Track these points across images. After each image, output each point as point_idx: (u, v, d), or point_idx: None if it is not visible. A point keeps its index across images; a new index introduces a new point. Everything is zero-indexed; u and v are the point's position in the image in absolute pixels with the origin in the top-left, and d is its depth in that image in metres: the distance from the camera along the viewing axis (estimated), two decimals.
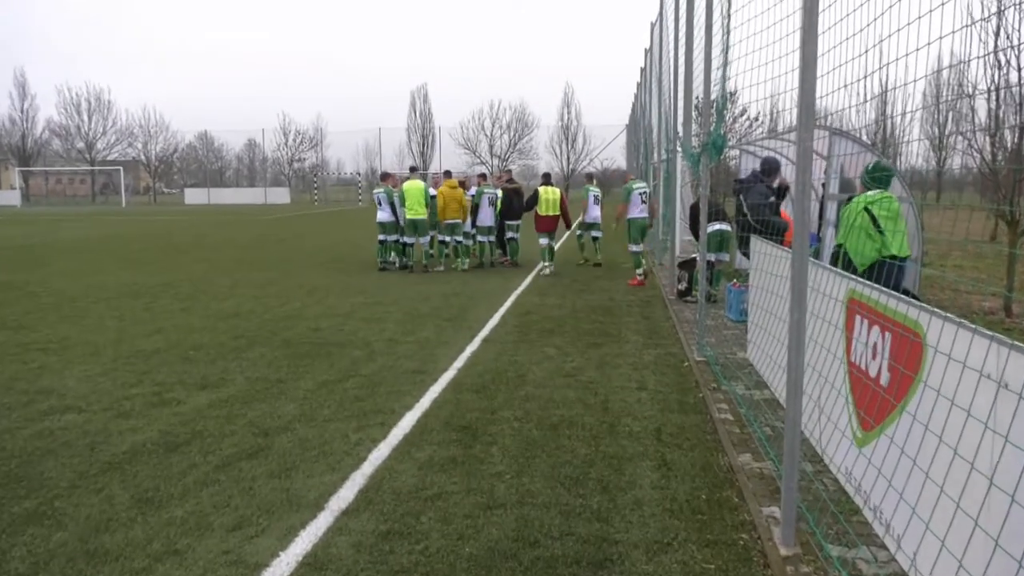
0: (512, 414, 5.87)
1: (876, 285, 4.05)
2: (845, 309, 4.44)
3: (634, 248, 13.26)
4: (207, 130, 77.12)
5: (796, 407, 3.68)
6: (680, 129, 11.85)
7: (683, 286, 11.22)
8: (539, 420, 5.72)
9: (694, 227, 10.85)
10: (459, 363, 7.50)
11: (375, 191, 15.40)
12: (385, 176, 15.49)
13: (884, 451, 3.69)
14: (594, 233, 15.97)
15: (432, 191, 15.00)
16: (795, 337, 3.64)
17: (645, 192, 13.58)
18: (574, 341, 8.49)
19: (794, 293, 3.62)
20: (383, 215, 14.98)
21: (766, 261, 6.41)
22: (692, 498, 4.35)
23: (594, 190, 15.65)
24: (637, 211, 13.42)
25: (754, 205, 8.88)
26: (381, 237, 15.17)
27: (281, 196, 64.77)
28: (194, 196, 65.61)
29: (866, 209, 6.12)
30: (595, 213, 15.73)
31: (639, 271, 13.06)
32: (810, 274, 4.65)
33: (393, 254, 15.56)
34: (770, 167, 9.39)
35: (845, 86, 3.68)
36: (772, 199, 9.08)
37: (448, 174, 15.43)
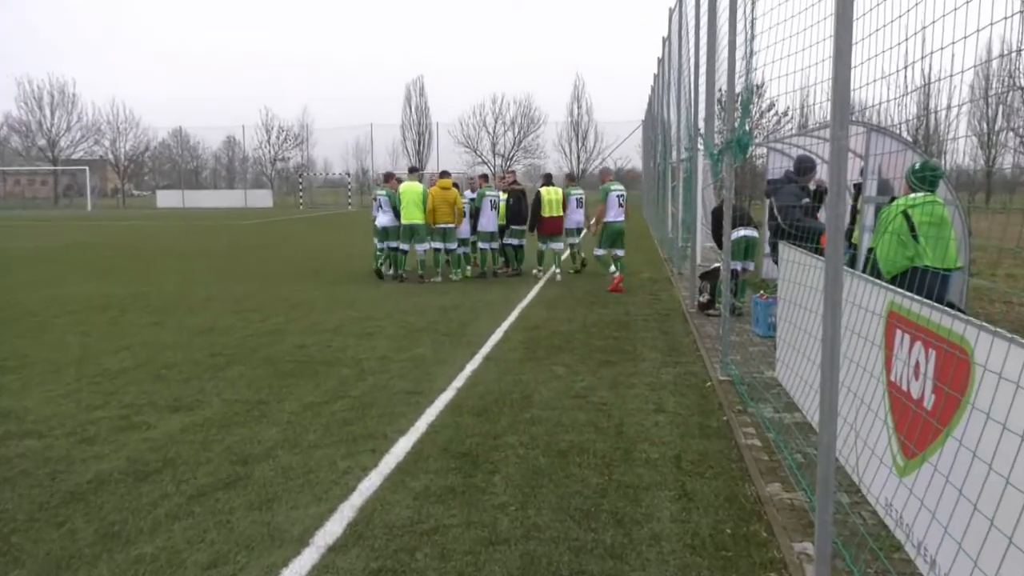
0: (517, 439, 5.87)
1: (919, 297, 4.06)
2: (884, 323, 4.44)
3: (598, 252, 13.98)
4: (182, 126, 77.90)
5: (830, 432, 3.68)
6: (701, 125, 11.91)
7: (705, 298, 11.22)
8: (546, 446, 5.72)
9: (717, 233, 10.86)
10: (458, 383, 7.50)
11: (376, 193, 15.45)
12: (388, 177, 15.57)
13: (928, 480, 3.69)
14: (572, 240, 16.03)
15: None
16: (829, 355, 3.65)
17: (623, 195, 14.03)
18: (585, 359, 8.50)
19: (827, 306, 3.63)
20: (385, 219, 15.04)
21: (796, 271, 6.42)
22: (716, 532, 4.35)
23: (576, 192, 15.68)
24: (613, 214, 13.93)
25: (784, 207, 8.90)
26: (381, 244, 15.20)
27: (263, 199, 65.00)
28: (167, 199, 65.88)
29: (904, 213, 6.11)
30: (577, 218, 15.77)
31: (612, 269, 13.68)
32: (845, 284, 4.66)
33: (388, 263, 15.62)
34: (804, 166, 9.41)
35: (883, 77, 3.70)
36: (805, 200, 9.10)
37: (445, 175, 15.44)
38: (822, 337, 3.68)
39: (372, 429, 6.13)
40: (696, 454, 5.56)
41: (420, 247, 14.93)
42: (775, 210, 8.93)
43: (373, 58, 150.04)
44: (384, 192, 15.02)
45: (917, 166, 6.52)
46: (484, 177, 16.24)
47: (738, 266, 10.71)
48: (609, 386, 7.37)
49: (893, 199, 6.56)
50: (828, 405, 3.67)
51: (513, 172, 17.43)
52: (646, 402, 6.84)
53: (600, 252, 14.14)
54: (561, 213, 15.11)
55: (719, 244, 11.35)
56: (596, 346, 9.13)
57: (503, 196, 15.64)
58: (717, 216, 10.93)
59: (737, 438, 5.83)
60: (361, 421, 6.33)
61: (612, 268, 13.79)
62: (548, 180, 15.82)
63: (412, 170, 15.87)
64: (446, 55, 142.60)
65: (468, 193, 15.72)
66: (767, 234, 11.36)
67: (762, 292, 9.94)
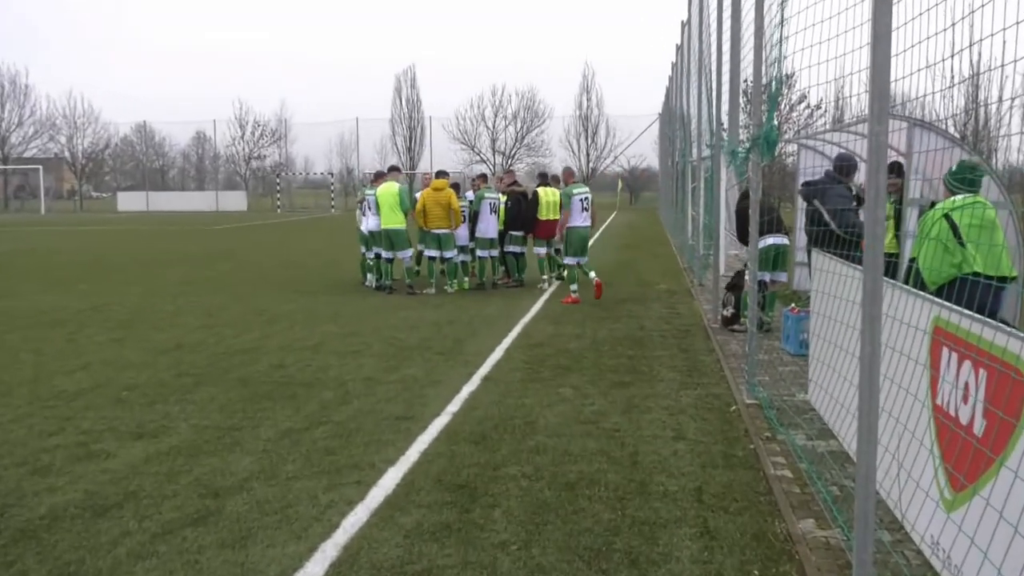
0: (519, 470, 5.86)
1: (967, 311, 4.05)
2: (929, 340, 4.44)
3: (568, 261, 14.06)
4: (146, 121, 77.87)
5: (869, 462, 3.67)
6: (725, 120, 11.93)
7: (729, 312, 11.21)
8: (552, 477, 5.71)
9: (742, 234, 10.83)
10: (454, 407, 7.49)
11: (366, 192, 15.46)
12: (379, 176, 15.60)
13: (979, 516, 3.68)
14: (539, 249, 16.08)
15: (418, 195, 15.09)
16: (867, 375, 3.64)
17: (587, 198, 14.19)
18: (595, 380, 8.49)
19: (865, 320, 3.63)
20: (373, 222, 15.10)
21: (830, 281, 6.42)
22: (742, 574, 4.33)
23: (580, 191, 15.66)
24: (580, 220, 14.03)
25: (838, 211, 8.85)
26: (369, 252, 15.20)
27: (236, 201, 65.13)
28: (129, 201, 66.01)
29: (946, 216, 6.10)
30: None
31: (573, 288, 13.83)
32: (886, 296, 4.65)
33: (369, 275, 15.67)
34: (847, 165, 9.42)
35: (927, 67, 3.70)
36: (855, 204, 9.10)
37: (442, 174, 15.45)
38: (860, 355, 3.68)
39: (358, 458, 6.12)
40: (719, 486, 5.54)
41: (403, 254, 14.91)
42: (826, 214, 8.87)
43: (359, 46, 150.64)
44: (373, 193, 15.06)
45: (955, 168, 6.55)
46: (483, 177, 16.28)
47: (767, 277, 10.55)
48: (622, 410, 7.36)
49: (933, 203, 6.56)
50: (867, 431, 3.67)
51: (512, 172, 17.39)
52: (663, 428, 6.83)
53: (571, 262, 14.10)
54: (558, 216, 15.08)
55: (745, 244, 11.31)
56: (608, 366, 9.13)
57: (503, 199, 15.66)
58: (742, 215, 10.92)
59: (765, 468, 5.82)
60: (345, 449, 6.32)
61: (575, 286, 13.95)
62: (544, 180, 15.87)
63: (391, 169, 15.86)
64: (441, 42, 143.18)
65: (469, 195, 15.73)
66: (800, 241, 11.37)
67: (793, 305, 9.94)
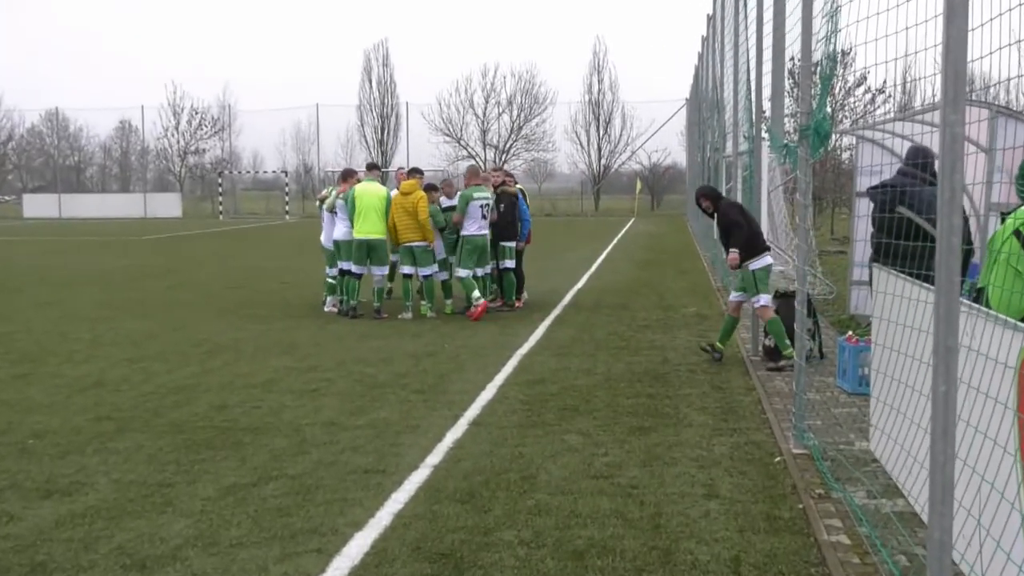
0: (515, 535, 5.84)
1: None
2: (1017, 378, 4.44)
3: (461, 273, 14.90)
4: (58, 108, 77.76)
5: (944, 525, 3.68)
6: (767, 106, 11.98)
7: (772, 341, 11.22)
8: (556, 544, 5.70)
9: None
10: (435, 458, 7.47)
11: (336, 196, 15.40)
12: (348, 175, 15.59)
13: None
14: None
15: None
16: (941, 420, 3.66)
17: (487, 204, 14.86)
18: (609, 424, 8.49)
19: (938, 353, 3.64)
20: (343, 230, 15.13)
21: (896, 306, 6.43)
22: None
23: (481, 196, 15.70)
24: (475, 228, 14.88)
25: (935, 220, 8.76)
26: (344, 266, 15.19)
27: (169, 205, 65.16)
28: (38, 205, 66.01)
29: (1016, 233, 5.84)
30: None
31: (475, 297, 14.75)
32: (963, 324, 4.66)
33: (329, 297, 15.71)
34: (930, 162, 9.42)
35: (1014, 43, 3.72)
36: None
37: (415, 172, 15.45)
38: (932, 395, 3.69)
39: (317, 521, 6.10)
40: (761, 556, 5.54)
41: (379, 271, 14.93)
42: (924, 225, 8.77)
43: (320, 16, 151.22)
44: (343, 196, 15.09)
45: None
46: (474, 173, 16.22)
47: (741, 297, 11.26)
48: (642, 462, 7.35)
49: (1007, 213, 6.47)
50: (941, 488, 3.67)
51: (502, 170, 17.30)
52: (692, 484, 6.82)
53: (463, 273, 14.97)
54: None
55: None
56: (624, 407, 9.13)
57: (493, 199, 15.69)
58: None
59: (817, 533, 5.81)
60: (302, 510, 6.30)
61: (476, 293, 14.83)
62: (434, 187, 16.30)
63: (371, 167, 15.85)
64: (419, 11, 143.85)
65: (445, 200, 15.68)
66: (857, 255, 11.38)
67: (850, 333, 9.95)
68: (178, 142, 74.75)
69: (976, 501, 4.77)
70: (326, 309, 15.76)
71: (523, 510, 6.28)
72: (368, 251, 14.77)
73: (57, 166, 76.76)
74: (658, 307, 16.26)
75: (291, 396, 9.64)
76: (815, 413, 8.48)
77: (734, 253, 10.81)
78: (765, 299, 10.96)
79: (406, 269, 15.14)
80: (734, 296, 11.51)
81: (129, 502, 6.49)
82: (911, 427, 6.00)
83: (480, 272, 15.50)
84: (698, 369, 10.90)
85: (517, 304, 15.88)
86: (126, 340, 13.20)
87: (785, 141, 8.14)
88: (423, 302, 15.21)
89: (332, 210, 15.44)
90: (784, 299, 11.22)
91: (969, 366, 4.87)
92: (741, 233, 10.87)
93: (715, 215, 11.62)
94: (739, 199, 16.89)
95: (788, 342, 10.50)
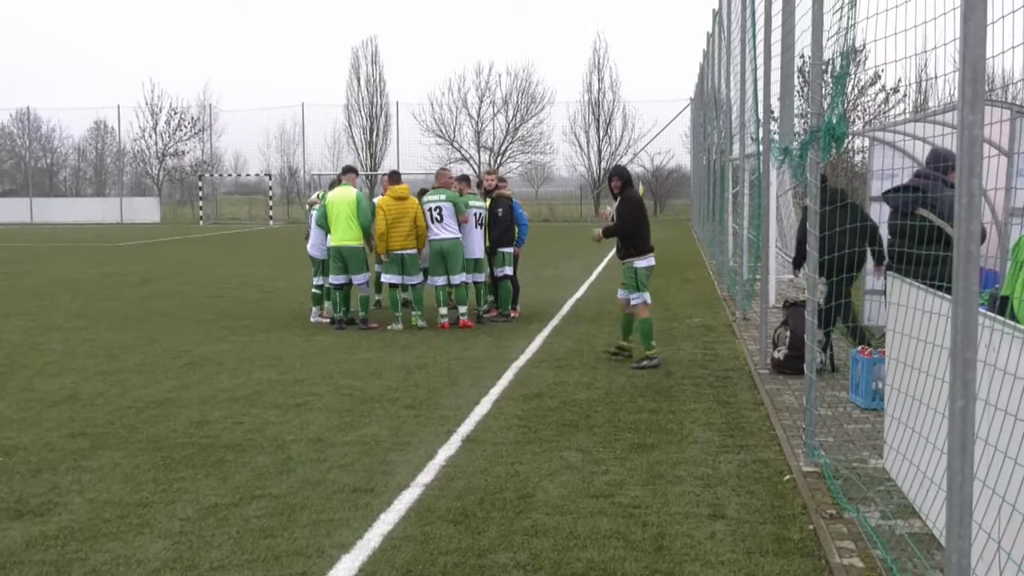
0: (511, 558, 5.84)
1: None
2: None
3: (436, 282, 15.31)
4: (30, 107, 77.75)
5: (963, 547, 3.68)
6: (776, 106, 12.01)
7: (782, 353, 11.23)
8: (554, 567, 5.69)
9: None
10: (426, 476, 7.48)
11: (323, 199, 15.42)
12: (347, 171, 15.64)
13: None
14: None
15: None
16: (959, 437, 3.66)
17: (439, 208, 15.01)
18: (610, 441, 8.49)
19: (955, 366, 3.65)
20: (318, 244, 15.18)
21: (910, 317, 6.43)
22: None
23: (476, 204, 15.73)
24: (432, 232, 15.11)
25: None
26: (332, 279, 15.19)
27: (147, 210, 65.11)
28: (8, 210, 65.84)
29: None
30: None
31: (442, 311, 15.18)
32: (983, 336, 4.67)
33: (315, 308, 15.71)
34: (951, 165, 9.41)
35: None
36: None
37: (395, 176, 15.49)
38: (949, 412, 3.69)
39: (302, 543, 6.10)
40: None
41: (358, 279, 14.93)
42: (946, 228, 8.77)
43: (305, 12, 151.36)
44: (316, 209, 15.15)
45: None
46: (464, 180, 16.27)
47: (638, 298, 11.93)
48: (644, 480, 7.35)
49: None
50: (959, 509, 3.67)
51: (495, 174, 17.26)
52: (697, 504, 6.82)
53: (439, 282, 15.29)
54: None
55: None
56: (626, 423, 9.13)
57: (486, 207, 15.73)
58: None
59: (829, 556, 5.81)
60: (286, 531, 6.30)
61: (444, 310, 15.12)
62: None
63: (347, 171, 15.80)
64: (409, 7, 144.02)
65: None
66: (869, 262, 11.38)
67: (863, 346, 9.96)
68: (156, 143, 74.66)
69: (996, 523, 4.77)
70: (312, 320, 15.76)
71: (519, 531, 6.28)
72: (341, 259, 14.76)
73: (28, 168, 76.68)
74: (662, 318, 16.24)
75: (275, 411, 9.63)
76: (826, 429, 8.48)
77: (599, 231, 12.36)
78: (644, 297, 12.03)
79: (392, 279, 15.07)
80: (621, 293, 12.37)
81: (104, 523, 6.48)
82: (927, 446, 6.00)
83: (472, 280, 15.51)
84: (703, 383, 10.91)
85: (513, 314, 15.89)
86: (101, 352, 13.19)
87: (783, 144, 8.14)
88: (413, 312, 15.22)
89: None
90: (794, 309, 11.24)
91: (986, 381, 4.88)
92: (628, 226, 12.02)
93: (618, 198, 12.32)
94: (746, 203, 16.93)
95: (653, 343, 11.99)
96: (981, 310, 4.18)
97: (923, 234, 8.75)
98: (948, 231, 8.46)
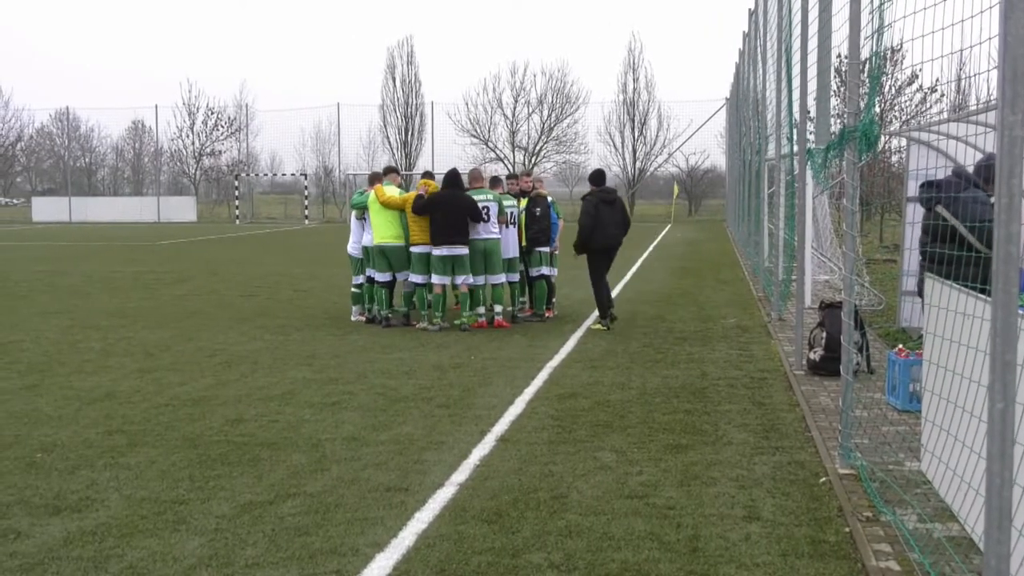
0: (545, 558, 5.84)
1: None
2: None
3: (471, 280, 15.34)
4: (69, 107, 78.45)
5: (1001, 552, 3.65)
6: (812, 107, 11.95)
7: (816, 355, 11.17)
8: (588, 568, 5.69)
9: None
10: (461, 475, 7.49)
11: (363, 196, 15.48)
12: (375, 179, 15.71)
13: None
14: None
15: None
16: (998, 440, 3.63)
17: (487, 208, 15.05)
18: (644, 442, 8.47)
19: (995, 369, 3.62)
20: (369, 237, 15.28)
21: (948, 320, 6.38)
22: None
23: (509, 203, 15.70)
24: (478, 232, 15.03)
25: (982, 227, 8.69)
26: (377, 275, 15.23)
27: (183, 209, 65.65)
28: (47, 209, 66.60)
29: None
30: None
31: (480, 310, 15.26)
32: (1023, 338, 4.63)
33: (354, 307, 15.80)
34: (991, 170, 9.30)
35: None
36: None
37: (428, 176, 15.57)
38: (988, 415, 3.67)
39: (337, 541, 6.12)
40: None
41: (403, 275, 14.98)
42: (961, 228, 8.68)
43: (341, 12, 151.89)
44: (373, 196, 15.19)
45: None
46: (497, 181, 16.26)
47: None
48: (679, 482, 7.33)
49: None
50: (998, 513, 3.64)
51: (529, 174, 17.32)
52: (732, 505, 6.79)
53: (478, 281, 15.28)
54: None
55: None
56: (660, 423, 9.11)
57: (521, 205, 15.71)
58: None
59: (865, 559, 5.77)
60: (321, 529, 6.33)
61: (481, 309, 15.17)
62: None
63: (388, 170, 15.90)
64: (444, 8, 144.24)
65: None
66: (908, 264, 11.31)
67: (900, 347, 9.89)
68: (193, 143, 75.06)
69: None
70: (352, 319, 15.81)
71: (553, 531, 6.28)
72: (384, 257, 14.86)
73: (67, 168, 77.36)
74: (696, 318, 16.21)
75: (310, 410, 9.68)
76: (863, 431, 8.43)
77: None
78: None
79: (418, 278, 14.99)
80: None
81: (141, 519, 6.53)
82: (964, 449, 5.95)
83: (508, 279, 15.52)
84: (738, 384, 10.86)
85: (548, 314, 15.89)
86: (138, 350, 13.29)
87: (818, 146, 8.09)
88: (465, 312, 15.14)
89: (362, 217, 15.53)
90: (830, 310, 11.18)
91: None
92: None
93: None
94: (781, 204, 16.84)
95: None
96: (1021, 312, 4.15)
97: (945, 232, 8.70)
98: (962, 231, 8.41)
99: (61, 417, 9.44)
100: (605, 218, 14.89)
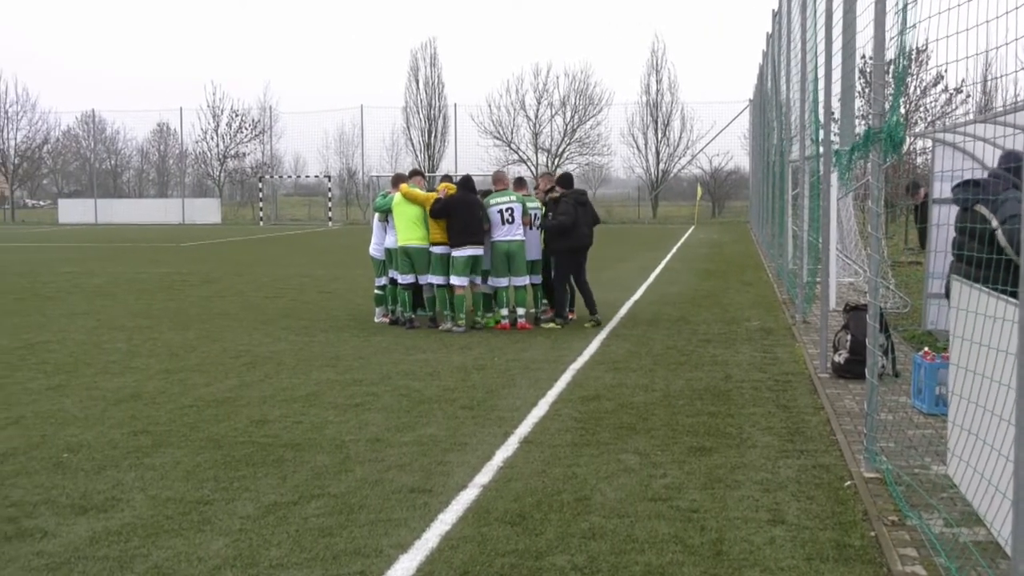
0: (568, 560, 5.84)
1: None
2: None
3: (492, 283, 15.51)
4: (95, 109, 79.06)
5: None
6: (836, 108, 11.90)
7: (841, 357, 11.12)
8: (612, 571, 5.69)
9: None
10: (484, 477, 7.50)
11: (386, 199, 15.54)
12: (413, 174, 15.82)
13: None
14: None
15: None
16: None
17: (511, 208, 15.07)
18: (668, 444, 8.46)
19: (1021, 374, 3.60)
20: (392, 239, 15.34)
21: (974, 323, 6.34)
22: None
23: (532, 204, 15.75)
24: (500, 234, 15.19)
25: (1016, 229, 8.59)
26: (400, 277, 15.28)
27: (208, 211, 65.94)
28: (73, 211, 67.02)
29: None
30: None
31: (503, 312, 15.30)
32: None
33: (377, 309, 15.85)
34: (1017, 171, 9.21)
35: None
36: None
37: (448, 179, 15.67)
38: (1016, 418, 3.65)
39: (361, 543, 6.14)
40: None
41: (428, 279, 15.03)
42: (1001, 235, 8.51)
43: (364, 15, 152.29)
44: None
45: None
46: (521, 182, 16.28)
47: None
48: (703, 484, 7.32)
49: None
50: None
51: (550, 175, 17.43)
52: (756, 508, 6.78)
53: (501, 283, 15.37)
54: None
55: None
56: (684, 426, 9.09)
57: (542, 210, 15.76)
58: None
59: (891, 563, 5.75)
60: (345, 530, 6.35)
61: (504, 311, 15.24)
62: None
63: (413, 173, 15.98)
64: (468, 9, 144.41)
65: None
66: (933, 265, 11.24)
67: (926, 349, 9.84)
68: (217, 145, 75.44)
69: None
70: (376, 321, 15.86)
71: (577, 534, 6.28)
72: (408, 258, 14.91)
73: (93, 170, 77.85)
74: (720, 320, 16.17)
75: (334, 411, 9.71)
76: (888, 434, 8.39)
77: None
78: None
79: (438, 279, 15.03)
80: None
81: (166, 519, 6.57)
82: (991, 453, 5.92)
83: (531, 282, 15.55)
84: (763, 387, 10.83)
85: (570, 316, 15.88)
86: (164, 351, 13.36)
87: (844, 147, 8.04)
88: (489, 314, 15.29)
89: (385, 219, 15.58)
90: (855, 312, 11.13)
91: None
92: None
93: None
94: (806, 206, 16.78)
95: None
96: None
97: (983, 235, 8.56)
98: (999, 236, 8.27)
99: (87, 417, 9.50)
100: (579, 218, 15.28)
